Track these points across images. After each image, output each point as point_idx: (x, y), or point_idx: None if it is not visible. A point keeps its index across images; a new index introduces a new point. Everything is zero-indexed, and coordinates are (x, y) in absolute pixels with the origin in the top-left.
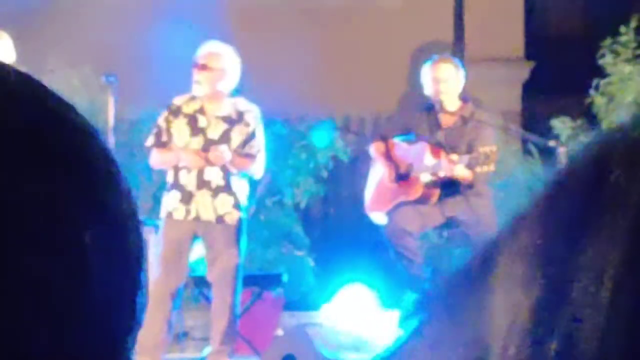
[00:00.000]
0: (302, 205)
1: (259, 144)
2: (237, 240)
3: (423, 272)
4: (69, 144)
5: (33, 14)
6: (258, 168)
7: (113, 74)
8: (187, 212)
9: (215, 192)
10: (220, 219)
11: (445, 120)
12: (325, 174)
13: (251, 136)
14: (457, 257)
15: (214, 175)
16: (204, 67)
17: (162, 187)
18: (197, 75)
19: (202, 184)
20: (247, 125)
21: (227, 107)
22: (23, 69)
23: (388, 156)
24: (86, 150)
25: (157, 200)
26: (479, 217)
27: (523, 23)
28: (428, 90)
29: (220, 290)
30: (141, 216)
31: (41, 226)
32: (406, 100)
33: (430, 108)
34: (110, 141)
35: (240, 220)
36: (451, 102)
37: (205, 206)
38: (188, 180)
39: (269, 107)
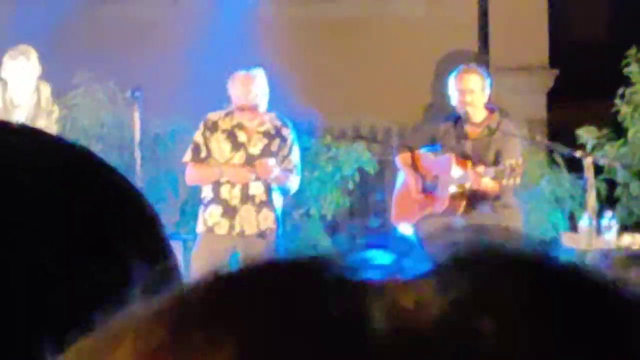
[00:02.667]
0: (329, 216)
1: (296, 158)
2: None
3: None
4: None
5: (59, 29)
6: (295, 183)
7: (139, 88)
8: (231, 227)
9: (259, 207)
10: (262, 234)
11: (472, 131)
12: (351, 185)
13: (289, 151)
14: None
15: (258, 190)
16: (251, 109)
17: (188, 201)
18: (244, 113)
19: (247, 198)
20: (285, 140)
21: (266, 121)
22: (49, 84)
23: (414, 167)
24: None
25: (183, 214)
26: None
27: (547, 31)
28: (454, 100)
29: None
30: (167, 230)
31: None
32: (431, 110)
33: (457, 119)
34: (137, 155)
35: (278, 236)
36: (477, 112)
37: (250, 221)
38: (232, 194)
39: (294, 119)
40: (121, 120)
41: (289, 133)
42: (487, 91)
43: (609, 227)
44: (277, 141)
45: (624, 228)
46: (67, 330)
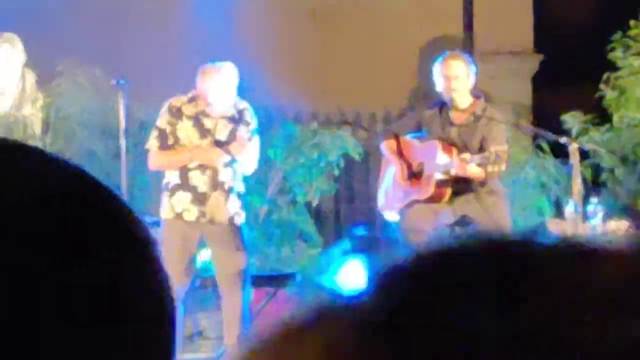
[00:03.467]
0: (314, 203)
1: (257, 142)
2: (244, 242)
3: None
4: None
5: (43, 16)
6: (252, 166)
7: (123, 77)
8: (201, 213)
9: (228, 193)
10: (231, 220)
11: (457, 117)
12: (336, 172)
13: (251, 134)
14: None
15: (227, 176)
16: (221, 102)
17: None
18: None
19: (216, 185)
20: (248, 124)
21: (228, 106)
22: (34, 71)
23: (400, 154)
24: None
25: None
26: (491, 214)
27: (532, 16)
28: (439, 87)
29: (230, 293)
30: (152, 217)
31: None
32: (416, 96)
33: (442, 105)
34: (122, 143)
35: (243, 222)
36: (462, 99)
37: (220, 208)
38: (201, 181)
39: (280, 106)
40: (106, 107)
41: (251, 116)
42: (472, 77)
43: (595, 213)
44: (241, 126)
45: (610, 214)
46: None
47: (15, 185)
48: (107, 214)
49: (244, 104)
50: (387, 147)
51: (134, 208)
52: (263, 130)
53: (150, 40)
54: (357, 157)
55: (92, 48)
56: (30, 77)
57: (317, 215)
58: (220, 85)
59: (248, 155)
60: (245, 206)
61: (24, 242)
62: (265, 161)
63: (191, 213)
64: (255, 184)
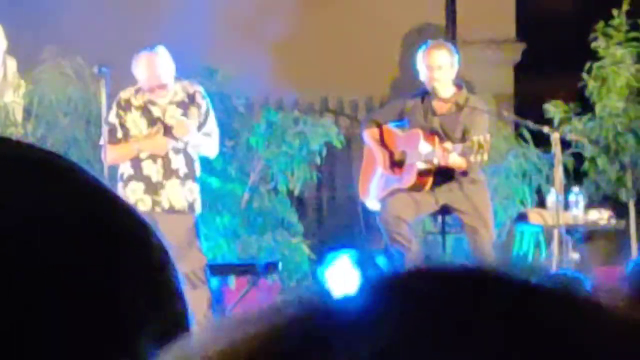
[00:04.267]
0: (296, 192)
1: (212, 123)
2: (199, 237)
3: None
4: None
5: (26, 3)
6: (214, 148)
7: (105, 65)
8: (155, 202)
9: (184, 179)
10: (190, 207)
11: (440, 106)
12: (318, 160)
13: (205, 117)
14: (451, 244)
15: (180, 163)
16: (161, 87)
17: None
18: (159, 94)
19: (170, 172)
20: (199, 106)
21: (178, 91)
22: (16, 59)
23: (382, 143)
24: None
25: None
26: (473, 203)
27: (514, 4)
28: (422, 76)
29: (194, 287)
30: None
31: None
32: (398, 84)
33: (425, 94)
34: (104, 131)
35: (199, 212)
36: (445, 88)
37: (177, 195)
38: (154, 170)
39: (262, 94)
40: (88, 95)
41: (202, 98)
42: (456, 67)
43: (576, 202)
44: (192, 109)
45: (591, 203)
46: None
47: (16, 188)
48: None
49: (195, 87)
50: (369, 135)
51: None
52: (245, 118)
53: (133, 28)
54: (339, 146)
55: (75, 36)
56: (12, 65)
57: (298, 203)
58: (157, 69)
59: (203, 137)
60: (227, 194)
61: (28, 244)
62: (247, 149)
63: (145, 203)
64: (237, 171)
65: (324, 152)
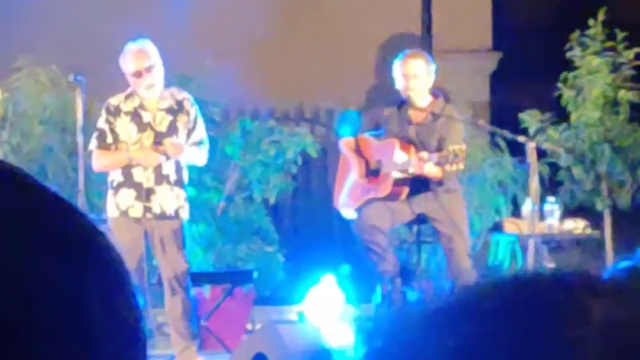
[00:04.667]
0: (272, 201)
1: (202, 131)
2: (184, 242)
3: (395, 268)
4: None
5: (1, 12)
6: (204, 156)
7: (81, 73)
8: (147, 209)
9: (173, 185)
10: (176, 213)
11: (416, 116)
12: (294, 169)
13: (194, 125)
14: (427, 253)
15: (170, 169)
16: (148, 70)
17: None
18: (147, 80)
19: (161, 178)
20: (188, 114)
21: (166, 98)
22: None
23: (358, 152)
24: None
25: None
26: (448, 213)
27: (490, 13)
28: (399, 85)
29: (174, 294)
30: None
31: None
32: (374, 93)
33: (401, 103)
34: (79, 139)
35: (187, 218)
36: (421, 98)
37: (167, 201)
38: (145, 176)
39: (237, 103)
40: (64, 103)
41: (191, 105)
42: (432, 76)
43: (552, 212)
44: (181, 116)
45: (567, 212)
46: None
47: None
48: (75, 235)
49: (183, 94)
50: (345, 144)
51: (90, 205)
52: (220, 126)
53: (108, 36)
54: (314, 155)
55: (50, 44)
56: None
57: (274, 212)
58: (145, 52)
59: (192, 149)
60: (202, 203)
61: None
62: (222, 157)
63: (136, 209)
64: (212, 180)
65: (300, 161)
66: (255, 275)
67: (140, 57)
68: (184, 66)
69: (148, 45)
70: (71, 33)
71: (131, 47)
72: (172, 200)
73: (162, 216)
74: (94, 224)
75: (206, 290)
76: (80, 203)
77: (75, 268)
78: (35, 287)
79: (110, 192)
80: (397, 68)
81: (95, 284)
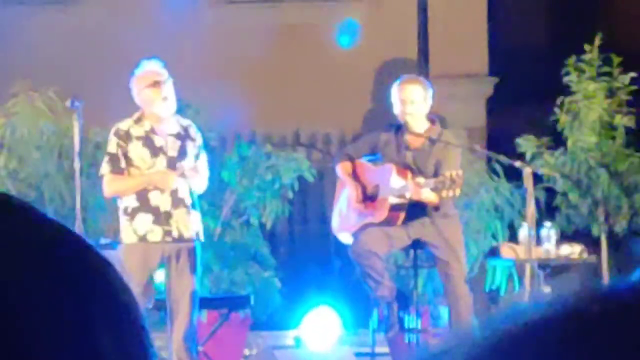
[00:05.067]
0: (268, 225)
1: (205, 159)
2: (197, 263)
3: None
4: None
5: None
6: (203, 185)
7: (78, 98)
8: (166, 233)
9: (189, 209)
10: (197, 235)
11: (413, 141)
12: (290, 194)
13: (199, 151)
14: (424, 278)
15: (185, 193)
16: (160, 84)
17: None
18: (164, 92)
19: (178, 202)
20: (194, 140)
21: (173, 123)
22: None
23: (355, 177)
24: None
25: None
26: (445, 238)
27: (487, 39)
28: (396, 110)
29: (182, 314)
30: (106, 239)
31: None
32: (371, 118)
33: (398, 128)
34: (76, 165)
35: (202, 240)
36: (418, 123)
37: (185, 224)
38: (162, 200)
39: (234, 128)
40: (61, 128)
41: (195, 131)
42: (429, 102)
43: (549, 237)
44: (188, 142)
45: (563, 237)
46: None
47: None
48: (84, 268)
49: (187, 121)
50: (342, 169)
51: (88, 229)
52: (217, 152)
53: (105, 62)
54: (311, 179)
55: (47, 69)
56: None
57: (271, 237)
58: (159, 67)
59: (199, 175)
60: None
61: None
62: (219, 183)
63: (155, 234)
64: (209, 205)
65: (296, 186)
66: (251, 300)
67: (158, 71)
68: (181, 92)
69: (161, 66)
70: (68, 58)
71: (147, 63)
72: (189, 223)
73: (181, 239)
74: (101, 255)
75: (203, 315)
76: (77, 228)
77: (83, 301)
78: (43, 321)
79: (124, 219)
80: (395, 93)
81: (104, 317)
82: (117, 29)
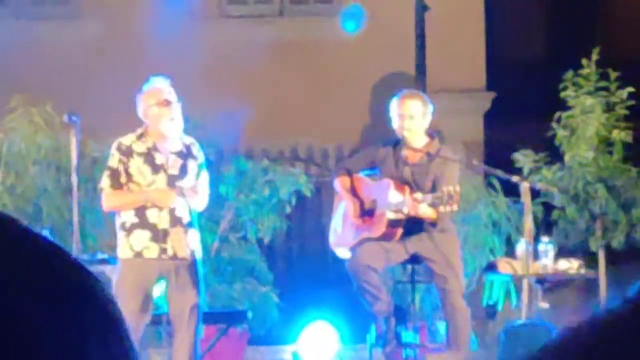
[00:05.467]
0: (266, 240)
1: (206, 178)
2: (199, 279)
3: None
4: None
5: None
6: (203, 203)
7: (75, 113)
8: (162, 250)
9: (186, 227)
10: (192, 254)
11: (411, 156)
12: (288, 209)
13: (200, 169)
14: (421, 293)
15: (184, 212)
16: (170, 103)
17: None
18: (171, 112)
19: (175, 220)
20: (196, 158)
21: (176, 142)
22: None
23: (353, 192)
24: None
25: None
26: (442, 252)
27: (484, 53)
28: (395, 124)
29: (184, 330)
30: (104, 254)
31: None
32: (368, 132)
33: (396, 143)
34: (73, 179)
35: (200, 258)
36: (417, 138)
37: (181, 243)
38: (160, 218)
39: (231, 142)
40: (58, 143)
41: (197, 150)
42: (429, 117)
43: (546, 252)
44: (190, 161)
45: (561, 252)
46: None
47: None
48: (74, 283)
49: (190, 139)
50: (340, 183)
51: (85, 244)
52: (214, 166)
53: (103, 76)
54: (308, 194)
55: (44, 84)
56: None
57: (268, 252)
58: (167, 87)
59: (198, 195)
60: None
61: None
62: (216, 197)
63: (152, 251)
64: (207, 220)
65: (294, 201)
66: (249, 315)
67: (168, 90)
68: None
69: (169, 83)
70: (65, 73)
71: (157, 80)
72: (185, 242)
73: (176, 258)
74: (88, 270)
75: (200, 330)
76: (75, 243)
77: (75, 316)
78: (37, 337)
79: (122, 234)
80: (394, 107)
81: (94, 331)
82: (115, 44)
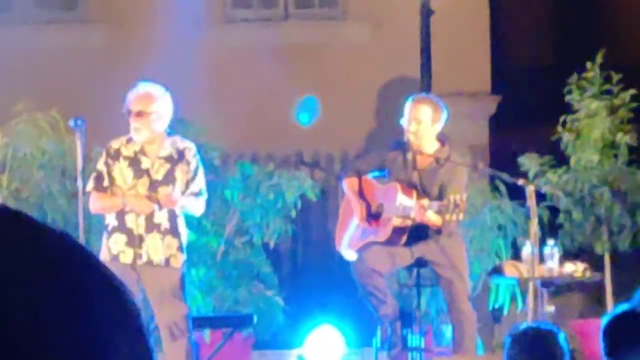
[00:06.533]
0: (271, 244)
1: (201, 181)
2: (183, 288)
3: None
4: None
5: (0, 57)
6: (201, 206)
7: (80, 117)
8: (137, 256)
9: (164, 234)
10: (167, 262)
11: (421, 161)
12: (293, 213)
13: (193, 174)
14: (427, 297)
15: (163, 218)
16: (139, 114)
17: None
18: (134, 123)
19: (152, 227)
20: (188, 163)
21: (167, 146)
22: None
23: (361, 194)
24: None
25: None
26: (448, 256)
27: (489, 57)
28: (404, 126)
29: (170, 341)
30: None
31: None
32: (374, 137)
33: (406, 146)
34: (79, 184)
35: (183, 264)
36: (427, 143)
37: (156, 249)
38: (137, 223)
39: (237, 147)
40: (63, 148)
41: (192, 156)
42: (441, 123)
43: (552, 255)
44: (180, 166)
45: (567, 255)
46: None
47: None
48: (97, 283)
49: (185, 144)
50: (348, 185)
51: (91, 249)
52: (220, 171)
53: (108, 81)
54: (314, 198)
55: (50, 88)
56: None
57: (274, 256)
58: (148, 89)
59: (189, 199)
60: (202, 247)
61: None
62: (222, 202)
63: (127, 255)
64: (212, 224)
65: (299, 205)
66: (255, 319)
67: (139, 100)
68: (183, 111)
69: (155, 91)
70: (70, 78)
71: (139, 87)
72: (161, 249)
73: (150, 264)
74: (111, 271)
75: (206, 335)
76: None
77: (99, 312)
78: (59, 340)
79: (105, 236)
80: (406, 109)
81: (117, 332)
82: (120, 49)
